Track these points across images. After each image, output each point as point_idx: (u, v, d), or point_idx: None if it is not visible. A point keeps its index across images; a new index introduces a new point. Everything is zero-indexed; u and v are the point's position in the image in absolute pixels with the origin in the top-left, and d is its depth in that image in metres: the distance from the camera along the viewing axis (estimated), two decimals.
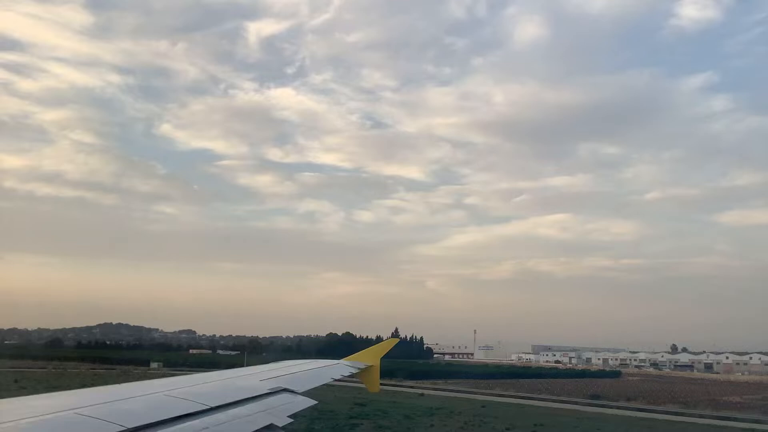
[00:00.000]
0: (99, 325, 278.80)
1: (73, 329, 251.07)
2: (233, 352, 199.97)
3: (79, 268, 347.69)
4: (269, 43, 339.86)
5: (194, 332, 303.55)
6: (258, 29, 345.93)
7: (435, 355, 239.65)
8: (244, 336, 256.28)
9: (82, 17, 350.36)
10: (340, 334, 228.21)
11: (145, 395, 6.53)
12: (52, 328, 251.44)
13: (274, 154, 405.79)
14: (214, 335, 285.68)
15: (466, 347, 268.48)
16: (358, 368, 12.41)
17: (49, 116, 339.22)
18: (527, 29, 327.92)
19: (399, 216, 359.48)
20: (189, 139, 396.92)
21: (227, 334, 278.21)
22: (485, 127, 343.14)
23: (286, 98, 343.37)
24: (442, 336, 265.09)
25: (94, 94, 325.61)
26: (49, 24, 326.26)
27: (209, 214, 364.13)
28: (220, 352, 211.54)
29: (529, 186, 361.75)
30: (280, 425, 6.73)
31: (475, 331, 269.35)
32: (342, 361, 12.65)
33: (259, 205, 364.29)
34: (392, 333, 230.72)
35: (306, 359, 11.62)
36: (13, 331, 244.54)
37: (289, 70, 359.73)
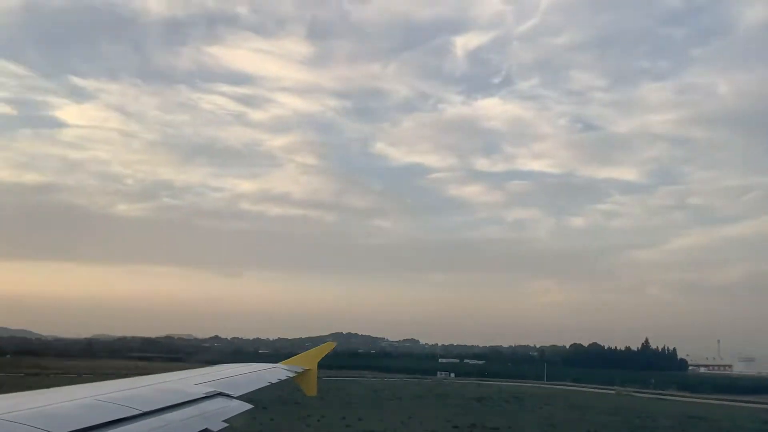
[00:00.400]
0: (331, 335, 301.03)
1: (310, 339, 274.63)
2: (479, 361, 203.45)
3: (306, 281, 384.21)
4: (475, 55, 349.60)
5: (417, 341, 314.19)
6: (464, 43, 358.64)
7: (690, 368, 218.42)
8: (473, 345, 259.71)
9: (303, 48, 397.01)
10: (585, 345, 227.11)
11: (73, 400, 6.53)
12: (290, 337, 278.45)
13: (482, 164, 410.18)
14: (436, 344, 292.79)
15: (722, 358, 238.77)
16: (296, 372, 11.92)
17: (277, 142, 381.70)
18: (755, 11, 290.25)
19: (613, 220, 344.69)
20: (401, 155, 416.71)
21: (448, 343, 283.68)
22: (708, 121, 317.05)
23: (492, 108, 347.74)
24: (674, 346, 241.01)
25: (315, 119, 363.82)
26: (274, 57, 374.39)
27: (421, 226, 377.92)
28: (468, 361, 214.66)
29: (761, 182, 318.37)
30: (215, 430, 6.69)
31: (718, 341, 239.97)
32: (279, 364, 12.22)
33: (469, 215, 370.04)
34: (642, 344, 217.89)
35: (245, 363, 11.36)
36: (256, 341, 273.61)
37: (495, 80, 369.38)
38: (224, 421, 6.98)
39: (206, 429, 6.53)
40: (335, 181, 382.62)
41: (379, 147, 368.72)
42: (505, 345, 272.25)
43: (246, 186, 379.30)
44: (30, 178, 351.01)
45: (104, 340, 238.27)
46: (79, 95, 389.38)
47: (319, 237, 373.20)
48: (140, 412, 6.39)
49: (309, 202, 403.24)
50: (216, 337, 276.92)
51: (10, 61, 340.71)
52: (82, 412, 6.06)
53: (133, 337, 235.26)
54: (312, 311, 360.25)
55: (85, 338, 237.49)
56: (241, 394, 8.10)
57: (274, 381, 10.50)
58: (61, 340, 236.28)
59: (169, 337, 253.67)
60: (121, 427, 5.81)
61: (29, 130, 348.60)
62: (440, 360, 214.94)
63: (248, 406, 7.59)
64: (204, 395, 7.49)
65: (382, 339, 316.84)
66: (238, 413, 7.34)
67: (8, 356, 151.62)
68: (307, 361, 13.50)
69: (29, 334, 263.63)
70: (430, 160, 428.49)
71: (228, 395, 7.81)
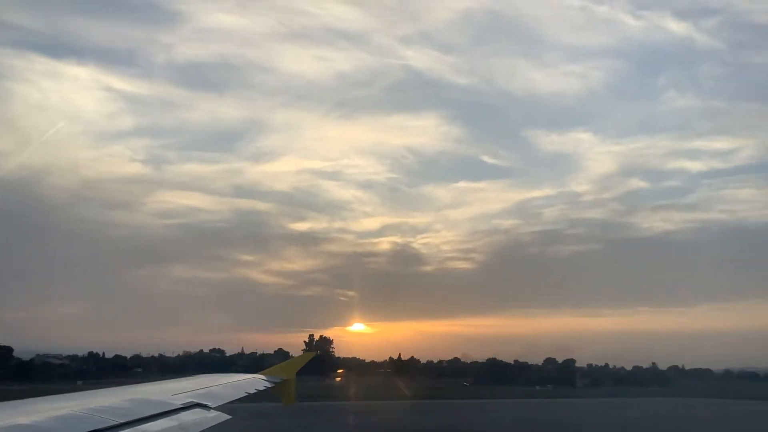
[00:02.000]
0: None
1: None
2: None
3: None
4: None
5: None
6: None
7: None
8: None
9: None
10: None
11: (51, 411, 6.49)
12: None
13: None
14: None
15: None
16: (274, 382, 12.01)
17: None
18: None
19: None
20: None
21: None
22: None
23: None
24: None
25: None
26: None
27: None
28: None
29: None
30: None
31: None
32: (257, 375, 12.29)
33: None
34: None
35: (217, 373, 11.40)
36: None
37: None
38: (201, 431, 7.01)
39: None
40: None
41: None
42: None
43: None
44: None
45: None
46: None
47: None
48: (116, 423, 6.42)
49: None
50: None
51: None
52: (57, 424, 6.08)
53: None
54: None
55: None
56: (219, 404, 8.12)
57: (252, 391, 10.52)
58: None
59: None
60: None
61: None
62: None
63: (226, 417, 7.62)
64: (181, 405, 7.51)
65: None
66: (215, 424, 7.37)
67: None
68: (286, 371, 13.51)
69: None
70: None
71: (206, 406, 7.83)
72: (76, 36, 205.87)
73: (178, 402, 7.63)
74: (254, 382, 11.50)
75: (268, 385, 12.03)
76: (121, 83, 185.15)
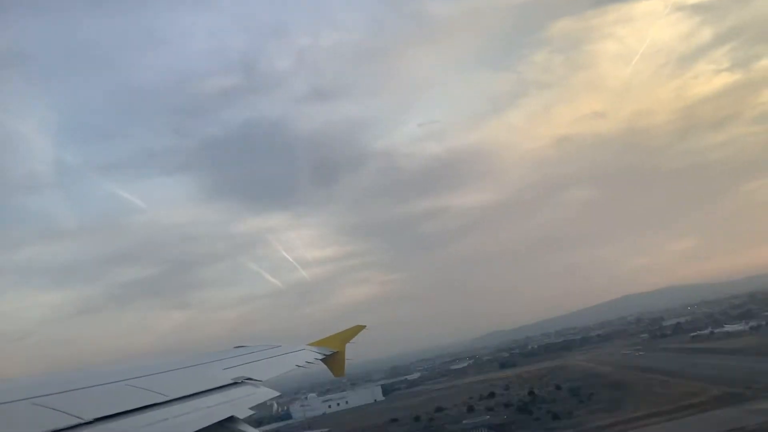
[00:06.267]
0: None
1: None
2: None
3: None
4: None
5: None
6: None
7: None
8: None
9: None
10: None
11: (105, 384, 6.63)
12: None
13: None
14: None
15: None
16: (324, 354, 11.82)
17: None
18: None
19: None
20: None
21: None
22: None
23: None
24: None
25: None
26: None
27: None
28: None
29: None
30: (241, 417, 6.73)
31: None
32: (307, 346, 12.11)
33: None
34: None
35: (271, 344, 11.25)
36: None
37: None
38: (250, 408, 7.02)
39: (232, 416, 6.57)
40: None
41: None
42: None
43: None
44: None
45: None
46: None
47: None
48: (168, 399, 6.46)
49: None
50: None
51: None
52: (111, 397, 6.18)
53: None
54: None
55: None
56: (268, 378, 8.15)
57: (301, 364, 10.51)
58: None
59: None
60: (148, 413, 5.88)
61: None
62: None
63: (275, 393, 7.63)
64: (231, 381, 7.55)
65: None
66: (264, 400, 7.39)
67: None
68: (336, 342, 13.35)
69: None
70: None
71: (255, 380, 7.86)
72: None
73: (229, 377, 7.69)
74: (305, 354, 11.48)
75: (319, 357, 11.98)
76: None
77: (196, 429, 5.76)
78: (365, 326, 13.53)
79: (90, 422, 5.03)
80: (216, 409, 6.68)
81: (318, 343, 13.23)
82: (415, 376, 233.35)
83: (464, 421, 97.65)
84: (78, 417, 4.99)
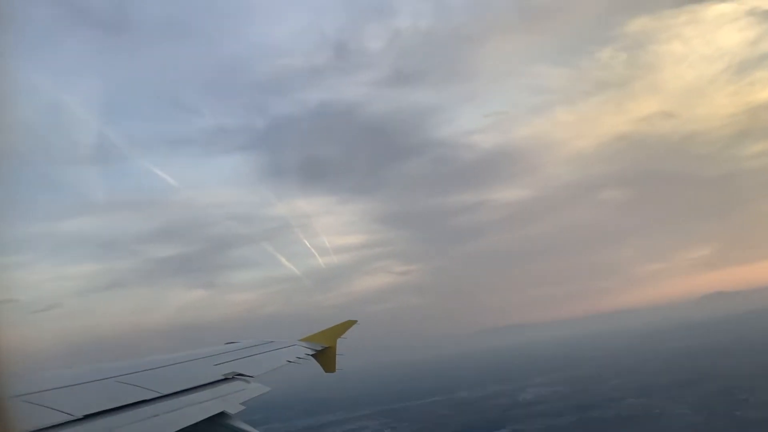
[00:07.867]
0: None
1: None
2: None
3: None
4: None
5: None
6: None
7: None
8: None
9: None
10: None
11: (95, 381, 6.60)
12: None
13: None
14: None
15: None
16: (315, 350, 11.87)
17: None
18: None
19: None
20: None
21: None
22: None
23: None
24: None
25: None
26: None
27: None
28: None
29: None
30: (233, 413, 6.74)
31: None
32: (298, 341, 12.16)
33: None
34: None
35: (263, 339, 11.27)
36: None
37: None
38: (241, 404, 7.03)
39: (223, 412, 6.58)
40: None
41: None
42: None
43: None
44: None
45: None
46: None
47: None
48: (159, 395, 6.45)
49: None
50: None
51: None
52: (100, 394, 6.15)
53: None
54: None
55: None
56: (259, 374, 8.16)
57: (292, 359, 10.50)
58: None
59: None
60: (138, 409, 5.87)
61: None
62: None
63: (265, 389, 7.63)
64: (222, 377, 7.55)
65: None
66: (255, 396, 7.39)
67: None
68: (327, 338, 13.35)
69: None
70: None
71: (246, 376, 7.86)
72: None
73: (219, 373, 7.68)
74: (295, 349, 11.48)
75: (309, 352, 11.97)
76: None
77: (188, 424, 5.76)
78: (356, 321, 13.54)
79: (80, 419, 5.02)
80: (207, 404, 6.70)
81: (309, 339, 13.23)
82: None
83: None
84: (68, 414, 4.99)
